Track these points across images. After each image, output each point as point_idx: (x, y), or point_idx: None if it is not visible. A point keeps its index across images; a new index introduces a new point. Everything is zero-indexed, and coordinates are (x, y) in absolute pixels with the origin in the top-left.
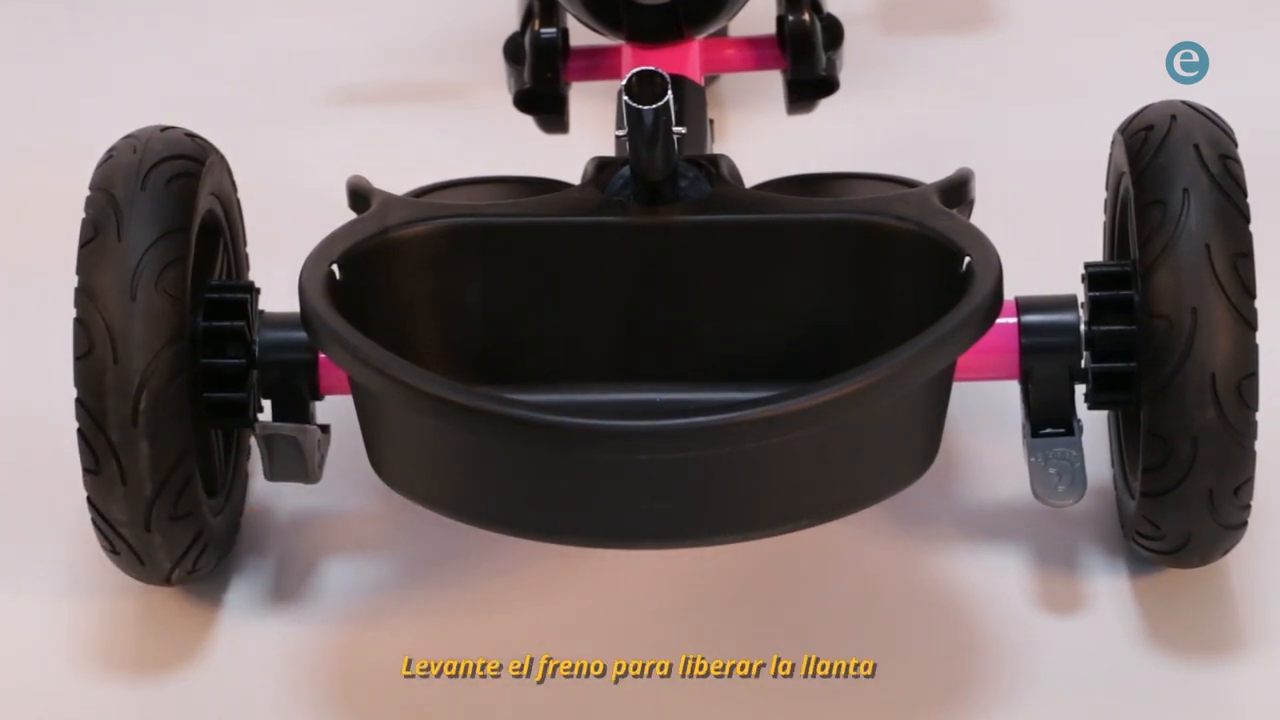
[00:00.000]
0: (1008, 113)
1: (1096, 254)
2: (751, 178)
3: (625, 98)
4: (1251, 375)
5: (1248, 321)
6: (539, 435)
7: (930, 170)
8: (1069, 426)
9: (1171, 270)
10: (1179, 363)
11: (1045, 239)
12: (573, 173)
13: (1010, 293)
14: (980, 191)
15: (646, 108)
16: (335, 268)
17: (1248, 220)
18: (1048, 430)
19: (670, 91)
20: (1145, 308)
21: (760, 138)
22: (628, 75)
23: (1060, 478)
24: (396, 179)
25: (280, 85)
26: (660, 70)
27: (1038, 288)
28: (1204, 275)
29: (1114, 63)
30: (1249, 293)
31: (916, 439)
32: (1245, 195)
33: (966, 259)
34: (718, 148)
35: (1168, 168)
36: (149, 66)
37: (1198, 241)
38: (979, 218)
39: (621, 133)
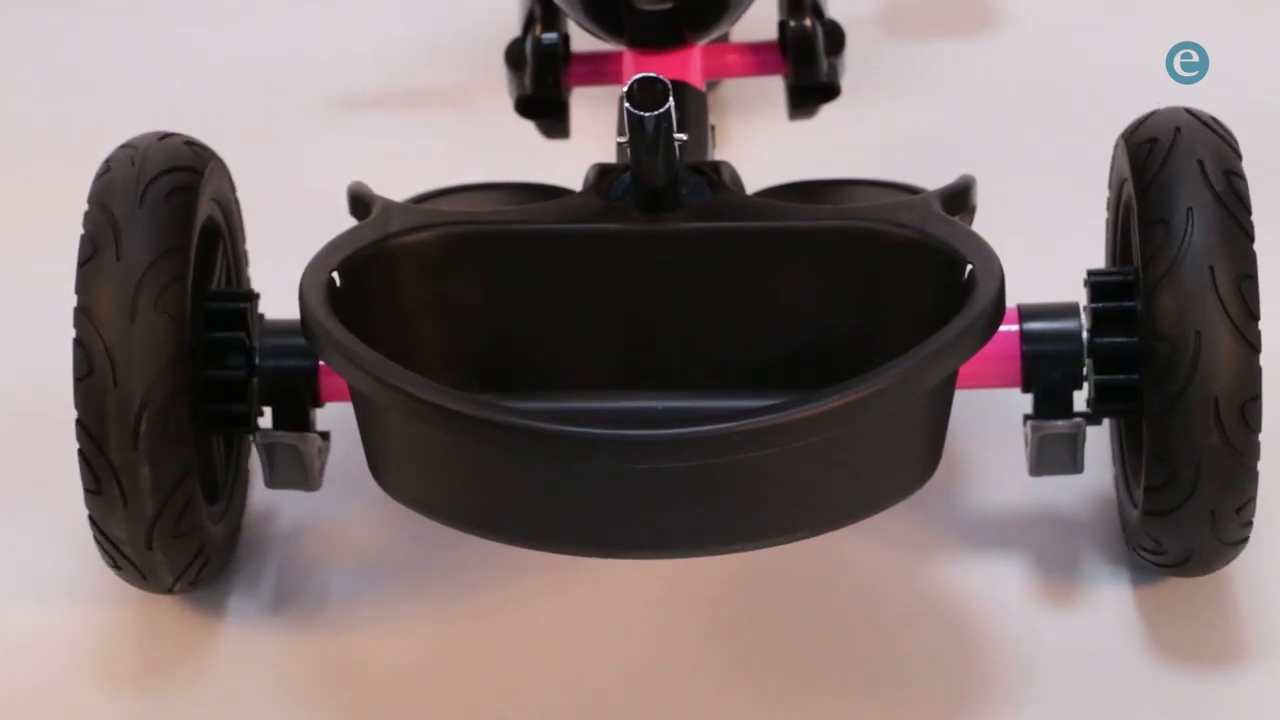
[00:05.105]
0: (1009, 118)
1: (1098, 260)
2: (753, 184)
3: (627, 104)
4: (1255, 399)
5: (1251, 344)
6: (538, 444)
7: (932, 176)
8: None
9: (1175, 293)
10: (1182, 386)
11: (1047, 246)
12: (574, 179)
13: (1012, 300)
14: (982, 198)
15: (648, 114)
16: (335, 275)
17: (1252, 239)
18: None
19: (672, 97)
20: (1148, 329)
21: (762, 143)
22: (629, 81)
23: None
24: (397, 185)
25: (281, 90)
26: (662, 76)
27: (1039, 294)
28: (1207, 298)
29: (1114, 63)
30: (1253, 315)
31: (919, 448)
32: (1249, 213)
33: (968, 266)
34: (719, 154)
35: (1171, 185)
36: (151, 69)
37: (1201, 263)
38: (980, 225)
39: (623, 139)
